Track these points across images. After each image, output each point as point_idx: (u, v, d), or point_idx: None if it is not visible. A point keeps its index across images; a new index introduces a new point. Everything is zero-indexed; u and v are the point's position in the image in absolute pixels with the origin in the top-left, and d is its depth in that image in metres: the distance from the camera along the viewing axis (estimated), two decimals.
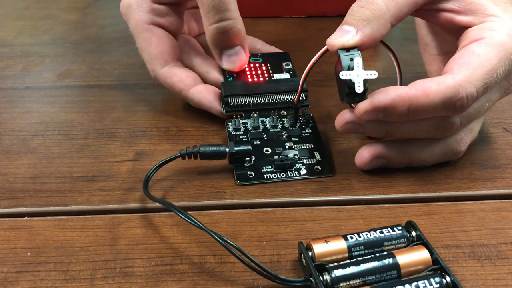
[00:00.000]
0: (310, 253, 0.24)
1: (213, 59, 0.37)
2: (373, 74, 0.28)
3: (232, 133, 0.33)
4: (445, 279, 0.23)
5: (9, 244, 0.27)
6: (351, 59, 0.28)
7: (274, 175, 0.31)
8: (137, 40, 0.36)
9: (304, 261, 0.24)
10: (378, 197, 0.30)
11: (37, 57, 0.45)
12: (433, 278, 0.23)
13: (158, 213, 0.29)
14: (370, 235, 0.25)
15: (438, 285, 0.22)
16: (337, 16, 0.52)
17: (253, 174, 0.31)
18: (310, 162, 0.32)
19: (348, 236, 0.25)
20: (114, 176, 0.31)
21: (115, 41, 0.48)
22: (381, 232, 0.25)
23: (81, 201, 0.29)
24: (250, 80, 0.36)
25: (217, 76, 0.36)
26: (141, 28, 0.36)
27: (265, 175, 0.31)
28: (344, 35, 0.28)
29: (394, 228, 0.25)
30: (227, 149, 0.31)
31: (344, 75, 0.28)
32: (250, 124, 0.34)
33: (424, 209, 0.29)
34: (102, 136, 0.35)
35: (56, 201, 0.29)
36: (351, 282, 0.23)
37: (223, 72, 0.36)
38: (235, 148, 0.31)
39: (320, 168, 0.31)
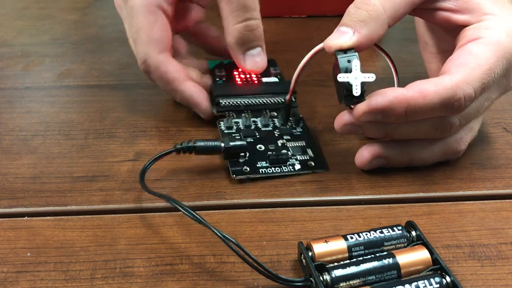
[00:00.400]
0: (310, 253, 0.24)
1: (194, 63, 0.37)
2: (370, 77, 0.28)
3: (225, 131, 0.33)
4: (445, 279, 0.23)
5: (9, 244, 0.27)
6: (349, 61, 0.28)
7: (269, 170, 0.31)
8: (138, 19, 0.34)
9: (304, 261, 0.24)
10: (378, 197, 0.30)
11: (37, 57, 0.45)
12: (433, 278, 0.23)
13: (158, 213, 0.29)
14: (370, 235, 0.25)
15: (438, 285, 0.22)
16: (337, 16, 0.51)
17: (248, 169, 0.31)
18: (303, 158, 0.32)
19: (348, 236, 0.25)
20: (114, 176, 0.31)
21: (115, 41, 0.48)
22: (381, 232, 0.25)
23: (81, 201, 0.29)
24: (240, 82, 0.36)
25: (200, 79, 0.36)
26: (148, 8, 0.34)
27: (260, 170, 0.31)
28: (342, 36, 0.29)
29: (394, 228, 0.25)
30: (223, 144, 0.31)
31: (341, 77, 0.28)
32: (242, 123, 0.34)
33: (424, 209, 0.29)
34: (102, 136, 0.35)
35: (56, 201, 0.29)
36: (351, 282, 0.23)
37: (213, 75, 0.36)
38: (231, 143, 0.31)
39: (313, 164, 0.32)
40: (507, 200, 0.30)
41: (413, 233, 0.25)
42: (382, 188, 0.30)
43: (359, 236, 0.25)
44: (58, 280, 0.25)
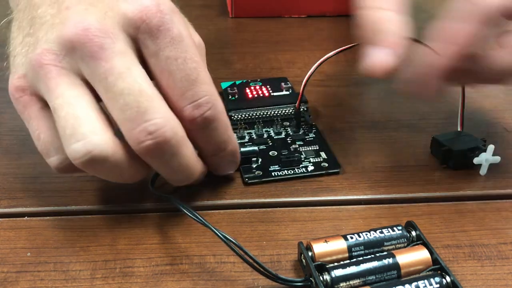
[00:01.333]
0: (310, 253, 0.24)
1: None
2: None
3: (237, 141, 0.34)
4: (445, 279, 0.23)
5: (9, 244, 0.27)
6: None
7: (282, 172, 0.31)
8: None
9: (304, 261, 0.24)
10: (378, 197, 0.30)
11: None
12: (433, 278, 0.23)
13: (158, 213, 0.29)
14: (370, 235, 0.25)
15: (438, 285, 0.22)
16: (337, 16, 0.52)
17: (261, 173, 0.31)
18: (316, 160, 0.32)
19: (348, 236, 0.25)
20: None
21: None
22: (381, 232, 0.25)
23: (81, 201, 0.29)
24: (251, 97, 0.37)
25: None
26: None
27: (272, 173, 0.31)
28: None
29: (394, 228, 0.25)
30: None
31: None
32: (254, 133, 0.35)
33: (424, 209, 0.29)
34: None
35: (56, 201, 0.29)
36: (351, 282, 0.23)
37: (225, 93, 0.37)
38: (242, 149, 0.31)
39: (327, 165, 0.32)
40: (507, 200, 0.30)
41: (413, 233, 0.25)
42: (382, 188, 0.30)
43: (359, 236, 0.25)
44: (58, 280, 0.25)
